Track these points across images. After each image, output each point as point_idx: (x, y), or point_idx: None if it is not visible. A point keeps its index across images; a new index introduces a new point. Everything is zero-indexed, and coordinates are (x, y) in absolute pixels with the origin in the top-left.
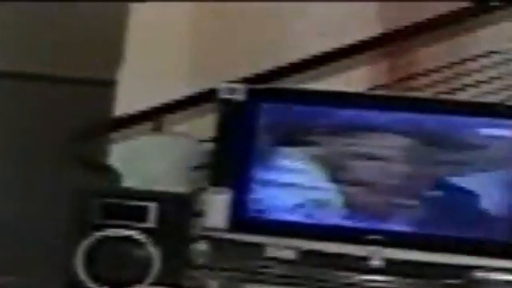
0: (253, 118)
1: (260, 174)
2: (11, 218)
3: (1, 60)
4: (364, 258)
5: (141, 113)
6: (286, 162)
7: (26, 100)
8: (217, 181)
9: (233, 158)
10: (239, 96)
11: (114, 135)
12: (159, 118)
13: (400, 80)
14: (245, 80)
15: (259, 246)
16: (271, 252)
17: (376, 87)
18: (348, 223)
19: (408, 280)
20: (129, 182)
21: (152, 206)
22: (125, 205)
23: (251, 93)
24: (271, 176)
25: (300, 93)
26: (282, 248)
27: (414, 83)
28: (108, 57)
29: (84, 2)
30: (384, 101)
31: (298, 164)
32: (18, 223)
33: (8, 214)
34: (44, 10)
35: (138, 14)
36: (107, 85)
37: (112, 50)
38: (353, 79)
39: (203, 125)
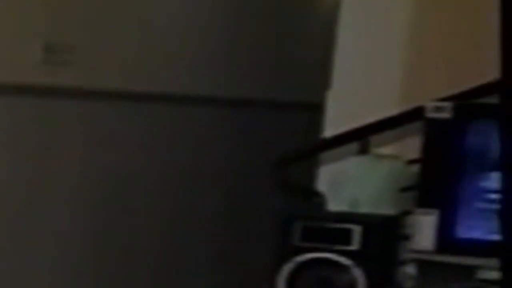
0: (460, 136)
1: (469, 194)
2: (216, 243)
3: (217, 86)
4: None
5: (346, 135)
6: (496, 181)
7: (233, 125)
8: (424, 202)
9: (440, 179)
10: (446, 114)
11: (320, 158)
12: (365, 139)
13: None
14: (458, 97)
15: (469, 268)
16: (482, 274)
17: None
18: None
19: None
20: (334, 205)
21: (357, 228)
22: (328, 228)
23: (458, 110)
24: (481, 196)
25: None
26: (494, 270)
27: None
28: (315, 80)
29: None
30: None
31: None
32: (221, 248)
33: (211, 239)
34: (255, 35)
35: (345, 36)
36: (315, 109)
37: (319, 73)
38: None
39: (412, 145)
